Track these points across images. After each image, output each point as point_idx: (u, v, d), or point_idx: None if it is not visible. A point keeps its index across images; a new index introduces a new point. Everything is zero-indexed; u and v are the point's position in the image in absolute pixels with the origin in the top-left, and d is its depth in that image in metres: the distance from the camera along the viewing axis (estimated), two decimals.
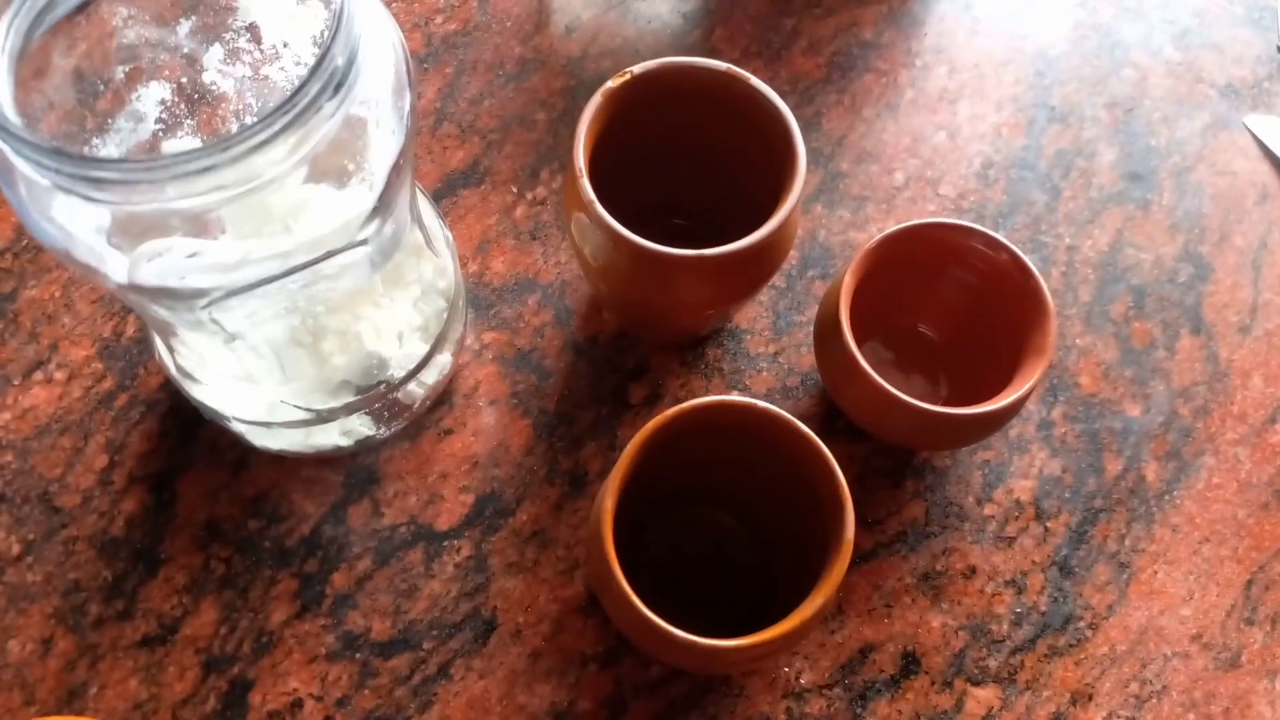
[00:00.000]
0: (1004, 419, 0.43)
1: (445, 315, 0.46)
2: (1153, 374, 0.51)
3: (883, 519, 0.47)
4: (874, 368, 0.42)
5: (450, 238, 0.47)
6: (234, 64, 0.40)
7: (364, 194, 0.36)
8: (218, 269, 0.34)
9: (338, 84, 0.31)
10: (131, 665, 0.44)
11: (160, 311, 0.37)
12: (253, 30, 0.39)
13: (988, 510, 0.47)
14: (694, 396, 0.44)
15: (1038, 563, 0.47)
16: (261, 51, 0.40)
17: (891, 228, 0.45)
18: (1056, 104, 0.58)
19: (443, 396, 0.48)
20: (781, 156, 0.44)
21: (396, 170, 0.35)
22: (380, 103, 0.35)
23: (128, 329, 0.50)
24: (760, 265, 0.43)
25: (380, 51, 0.35)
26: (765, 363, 0.50)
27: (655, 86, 0.45)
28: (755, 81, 0.44)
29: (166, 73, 0.39)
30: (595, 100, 0.43)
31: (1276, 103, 0.59)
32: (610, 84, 0.44)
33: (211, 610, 0.45)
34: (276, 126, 0.30)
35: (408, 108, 0.36)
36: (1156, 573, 0.47)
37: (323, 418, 0.44)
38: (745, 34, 0.58)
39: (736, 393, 0.49)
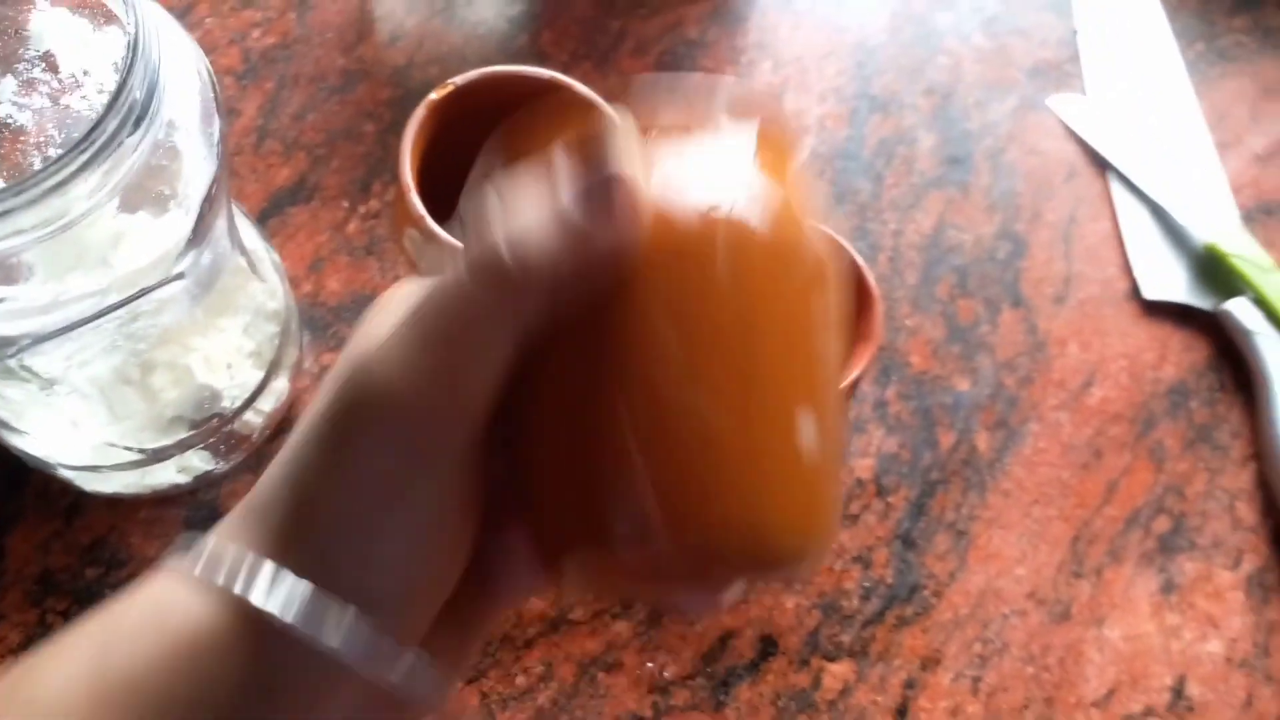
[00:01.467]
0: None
1: (278, 340, 0.45)
2: (978, 349, 0.53)
3: None
4: None
5: (278, 260, 0.46)
6: (30, 94, 0.38)
7: (181, 219, 0.35)
8: (24, 314, 0.32)
9: (138, 117, 0.30)
10: None
11: None
12: (48, 59, 0.37)
13: None
14: None
15: (882, 538, 0.49)
16: (60, 81, 0.38)
17: None
18: (877, 93, 0.60)
19: (283, 424, 0.47)
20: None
21: (210, 199, 0.34)
22: (188, 129, 0.34)
23: None
24: None
25: (184, 77, 0.34)
26: None
27: (480, 96, 0.44)
28: (581, 88, 0.44)
29: None
30: (418, 113, 0.43)
31: (1075, 83, 0.62)
32: (433, 96, 0.43)
33: None
34: (75, 165, 0.29)
35: (217, 135, 0.35)
36: (992, 537, 0.49)
37: (156, 456, 0.42)
38: (572, 37, 0.58)
39: None
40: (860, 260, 0.46)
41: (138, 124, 0.30)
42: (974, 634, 0.48)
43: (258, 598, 0.22)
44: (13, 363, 0.34)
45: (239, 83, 0.54)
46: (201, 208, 0.34)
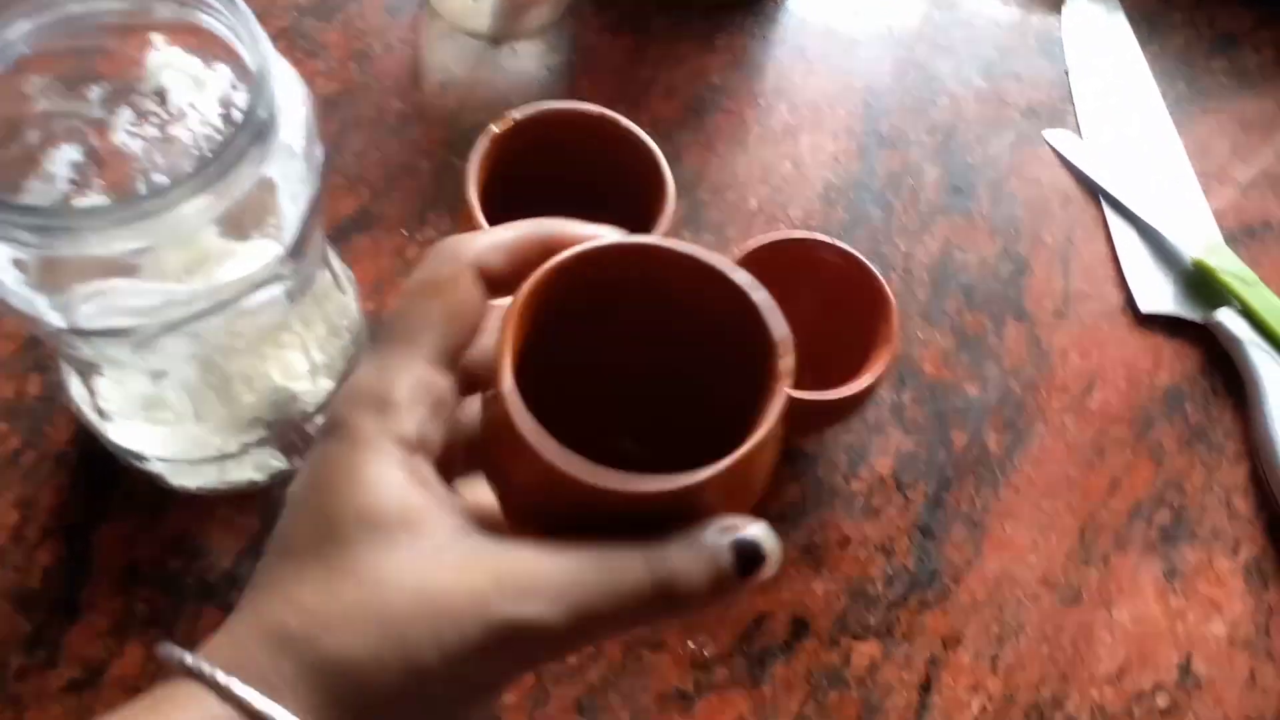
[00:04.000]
0: (860, 401, 0.49)
1: (351, 352, 0.49)
2: (986, 358, 0.58)
3: (764, 502, 0.52)
4: None
5: (352, 276, 0.51)
6: (142, 125, 0.43)
7: (275, 244, 0.39)
8: (148, 309, 0.37)
9: (263, 134, 0.35)
10: (59, 711, 0.45)
11: (87, 351, 0.39)
12: (160, 94, 0.43)
13: (854, 486, 0.53)
14: None
15: (902, 528, 0.52)
16: (169, 113, 0.43)
17: (751, 243, 0.51)
18: (885, 131, 0.65)
19: None
20: (651, 187, 0.49)
21: (312, 216, 0.39)
22: (295, 151, 0.39)
23: (29, 388, 0.51)
24: None
25: (292, 104, 0.39)
26: None
27: (535, 130, 0.50)
28: (625, 122, 0.50)
29: (78, 136, 0.42)
30: (482, 142, 0.48)
31: (1068, 119, 0.67)
32: (494, 128, 0.48)
33: (138, 650, 0.47)
34: (207, 178, 0.34)
35: (319, 155, 0.40)
36: (1005, 528, 0.53)
37: (237, 453, 0.46)
38: (607, 84, 0.64)
39: None
40: (877, 272, 0.50)
41: (263, 140, 0.35)
42: (991, 616, 0.51)
43: None
44: (133, 353, 0.38)
45: None
46: (304, 222, 0.38)
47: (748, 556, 0.26)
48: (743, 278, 0.29)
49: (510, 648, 0.25)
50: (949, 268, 0.61)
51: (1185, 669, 0.51)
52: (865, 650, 0.50)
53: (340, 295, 0.48)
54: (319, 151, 0.40)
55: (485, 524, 0.27)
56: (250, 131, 0.34)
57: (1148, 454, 0.56)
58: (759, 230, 0.60)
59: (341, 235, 0.56)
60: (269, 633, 0.25)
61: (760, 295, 0.29)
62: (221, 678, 0.24)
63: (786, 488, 0.53)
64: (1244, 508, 0.56)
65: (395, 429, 0.26)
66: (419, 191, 0.58)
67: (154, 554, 0.49)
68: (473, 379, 0.29)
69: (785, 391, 0.28)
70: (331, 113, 0.60)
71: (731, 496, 0.27)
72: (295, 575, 0.26)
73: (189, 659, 0.25)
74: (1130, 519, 0.54)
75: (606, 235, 0.29)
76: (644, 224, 0.49)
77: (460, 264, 0.28)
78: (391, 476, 0.26)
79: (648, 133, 0.50)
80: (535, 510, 0.28)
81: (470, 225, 0.47)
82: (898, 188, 0.63)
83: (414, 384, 0.27)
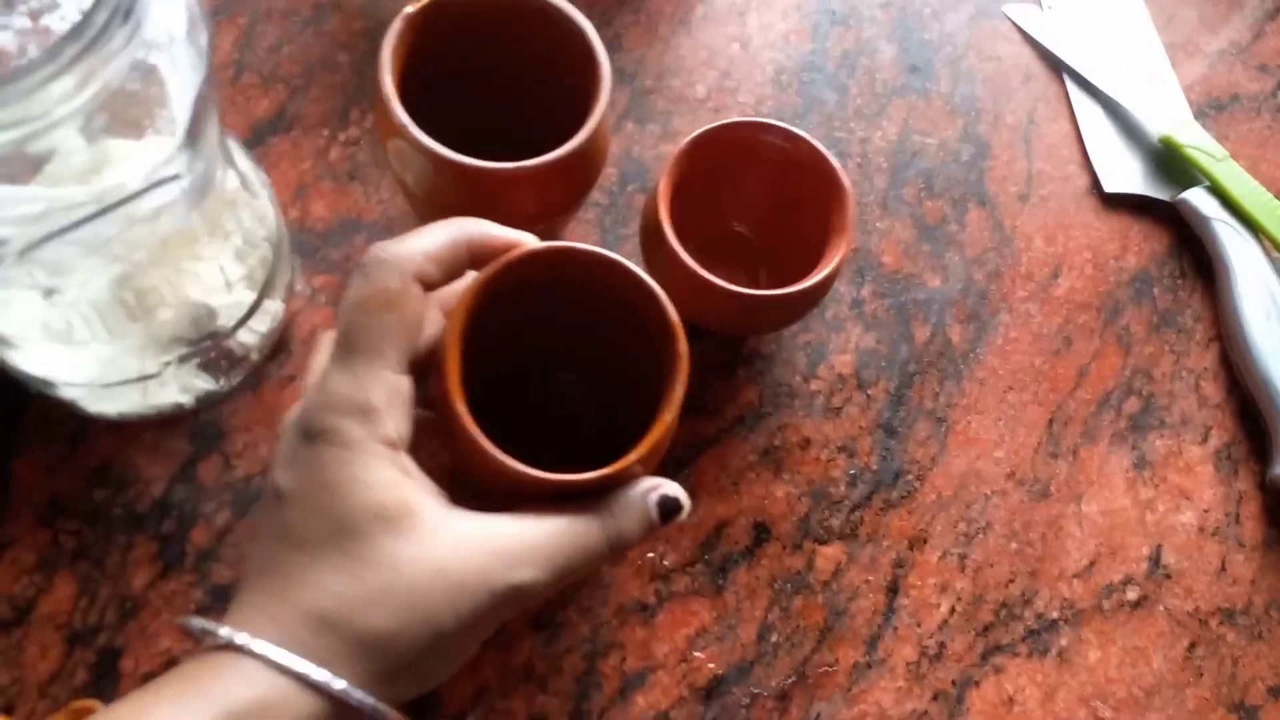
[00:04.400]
0: (817, 296, 0.46)
1: (270, 261, 0.46)
2: (947, 247, 0.55)
3: (721, 406, 0.50)
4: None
5: (267, 180, 0.47)
6: (9, 15, 0.39)
7: (167, 141, 0.35)
8: (24, 217, 0.33)
9: (127, 11, 0.31)
10: None
11: None
12: None
13: (814, 386, 0.51)
14: None
15: (864, 428, 0.50)
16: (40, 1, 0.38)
17: (696, 131, 0.47)
18: (837, 8, 0.61)
19: (280, 344, 0.48)
20: (587, 71, 0.45)
21: (201, 104, 0.35)
22: (175, 38, 0.35)
23: None
24: (579, 174, 0.45)
25: None
26: None
27: (456, 10, 0.45)
28: (558, 1, 0.45)
29: None
30: (396, 25, 0.44)
31: None
32: (409, 9, 0.44)
33: (67, 585, 0.44)
34: (66, 56, 0.30)
35: (205, 42, 0.36)
36: (970, 423, 0.51)
37: (158, 373, 0.43)
38: None
39: None
40: (833, 158, 0.47)
41: (126, 17, 0.31)
42: (958, 514, 0.50)
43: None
44: (12, 267, 0.34)
45: (213, 19, 0.54)
46: (194, 109, 0.35)
47: (669, 509, 0.35)
48: (643, 273, 0.37)
49: (509, 604, 0.32)
50: (907, 153, 0.57)
51: (1155, 560, 0.50)
52: (829, 554, 0.48)
53: (253, 199, 0.44)
54: (205, 37, 0.36)
55: (455, 496, 0.33)
56: (110, 5, 0.30)
57: (1115, 341, 0.54)
58: (706, 118, 0.56)
59: (258, 139, 0.52)
60: (309, 616, 0.30)
61: (658, 286, 0.37)
62: (278, 654, 0.29)
63: (744, 389, 0.50)
64: (1213, 393, 0.54)
65: (380, 433, 0.32)
66: (339, 88, 0.54)
67: (77, 485, 0.46)
68: (421, 366, 0.35)
69: (685, 373, 0.36)
70: (240, 5, 0.55)
71: (646, 464, 0.36)
72: (316, 565, 0.30)
73: (239, 637, 0.29)
74: (1099, 409, 0.53)
75: (526, 240, 0.36)
76: (577, 115, 0.45)
77: (406, 279, 0.33)
78: (386, 474, 0.31)
79: (584, 14, 0.46)
80: (494, 491, 0.34)
81: (387, 119, 0.43)
82: (852, 68, 0.59)
83: (388, 391, 0.32)
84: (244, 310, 0.45)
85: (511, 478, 0.34)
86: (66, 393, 0.43)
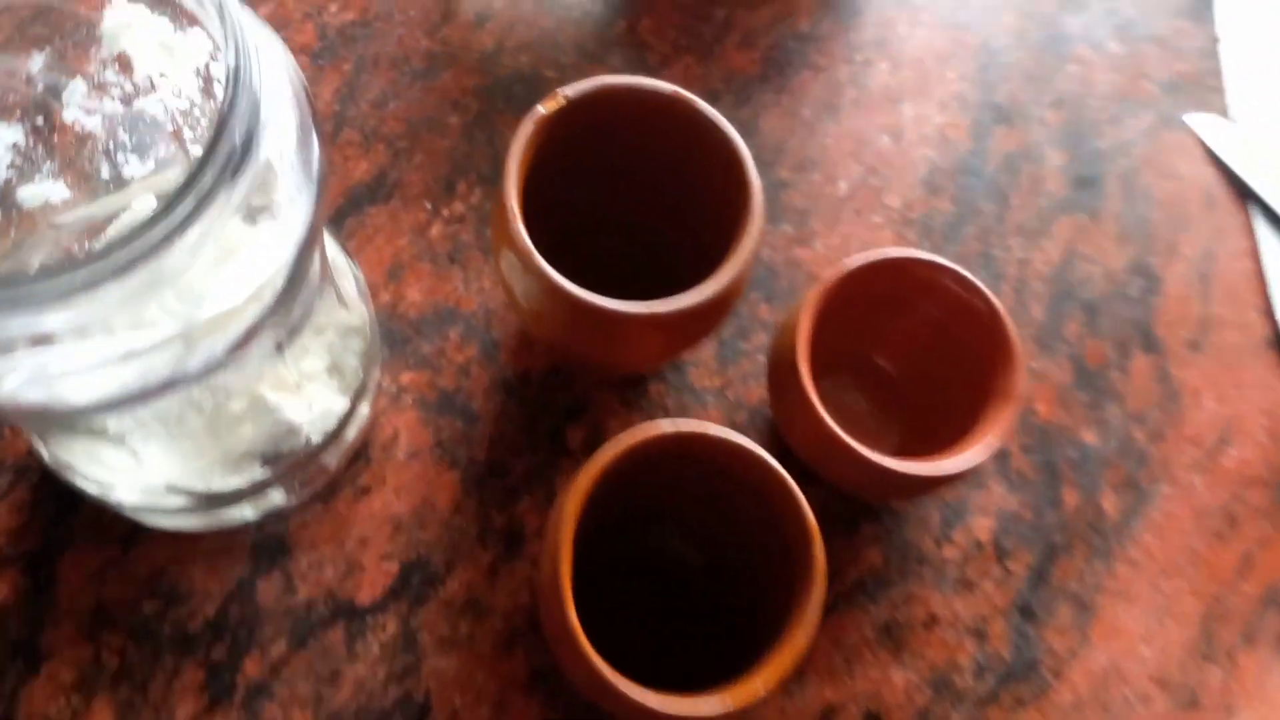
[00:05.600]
0: (969, 473, 0.41)
1: (360, 366, 0.41)
2: (1107, 396, 0.49)
3: (841, 567, 0.44)
4: (826, 401, 0.39)
5: (360, 275, 0.42)
6: (101, 99, 0.34)
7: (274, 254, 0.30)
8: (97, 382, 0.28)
9: (236, 165, 0.26)
10: None
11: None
12: (121, 60, 0.33)
13: (947, 553, 0.45)
14: None
15: (999, 607, 0.45)
16: (134, 84, 0.33)
17: (854, 260, 0.41)
18: (1002, 102, 0.55)
19: (358, 451, 0.43)
20: (728, 184, 0.40)
21: (307, 245, 0.30)
22: (285, 159, 0.30)
23: None
24: (713, 315, 0.39)
25: (279, 101, 0.29)
26: (711, 397, 0.47)
27: (591, 110, 0.40)
28: (703, 106, 0.40)
29: (19, 112, 0.33)
30: (525, 129, 0.38)
31: (1216, 99, 0.57)
32: (541, 109, 0.39)
33: (106, 710, 0.40)
34: (167, 227, 0.25)
35: (315, 165, 0.30)
36: (1117, 611, 0.45)
37: (223, 500, 0.38)
38: (674, 25, 0.53)
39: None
40: (1003, 310, 0.41)
41: (235, 174, 0.25)
42: (1095, 719, 0.44)
43: None
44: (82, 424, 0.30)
45: (314, 63, 0.49)
46: (298, 254, 0.29)
47: None
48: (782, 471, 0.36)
49: None
50: (1070, 280, 0.51)
51: None
52: None
53: (343, 310, 0.39)
54: (315, 155, 0.30)
55: None
56: (220, 159, 0.25)
57: None
58: (847, 221, 0.50)
59: (353, 208, 0.47)
60: None
61: (800, 494, 0.36)
62: None
63: (867, 550, 0.45)
64: None
65: None
66: (446, 154, 0.48)
67: (126, 594, 0.41)
68: None
69: (823, 589, 0.35)
70: (346, 49, 0.49)
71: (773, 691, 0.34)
72: None
73: None
74: (1264, 606, 0.46)
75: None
76: (714, 219, 0.40)
77: None
78: None
79: (721, 90, 0.40)
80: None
81: (504, 229, 0.37)
82: (1015, 175, 0.53)
83: None
84: (333, 422, 0.40)
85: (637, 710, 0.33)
86: (124, 512, 0.39)
